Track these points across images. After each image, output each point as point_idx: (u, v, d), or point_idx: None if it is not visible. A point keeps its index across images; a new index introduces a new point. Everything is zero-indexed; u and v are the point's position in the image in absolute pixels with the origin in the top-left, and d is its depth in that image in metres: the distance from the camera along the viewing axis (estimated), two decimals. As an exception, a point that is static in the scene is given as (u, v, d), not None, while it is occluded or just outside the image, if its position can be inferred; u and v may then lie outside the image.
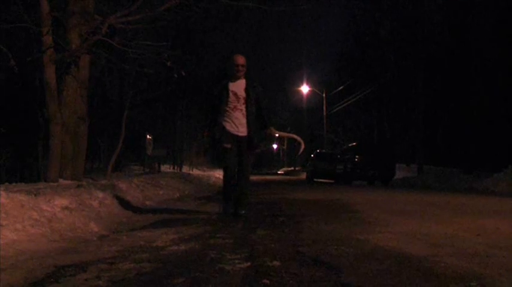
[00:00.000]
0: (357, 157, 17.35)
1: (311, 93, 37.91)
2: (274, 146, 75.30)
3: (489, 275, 2.25)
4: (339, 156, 19.17)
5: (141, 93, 18.81)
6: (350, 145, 20.56)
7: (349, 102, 30.22)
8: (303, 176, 26.46)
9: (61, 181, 8.09)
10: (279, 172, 51.26)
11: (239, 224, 4.46)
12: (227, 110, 5.22)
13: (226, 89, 5.25)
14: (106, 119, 17.92)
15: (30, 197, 4.32)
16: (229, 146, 5.13)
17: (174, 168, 25.97)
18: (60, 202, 4.66)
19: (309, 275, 2.28)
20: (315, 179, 20.76)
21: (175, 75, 12.47)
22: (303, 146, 6.00)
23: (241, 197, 5.21)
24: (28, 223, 3.60)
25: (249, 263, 2.58)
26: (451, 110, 21.85)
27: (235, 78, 5.29)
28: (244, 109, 5.24)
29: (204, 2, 10.89)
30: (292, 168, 51.78)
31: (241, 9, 12.46)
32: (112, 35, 9.65)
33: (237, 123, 5.22)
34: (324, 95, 34.39)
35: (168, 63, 11.16)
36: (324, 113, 34.32)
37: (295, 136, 6.17)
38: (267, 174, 41.79)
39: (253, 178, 26.31)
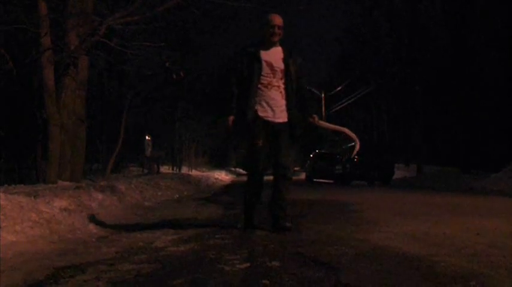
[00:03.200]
0: (356, 157, 17.35)
1: (310, 93, 37.93)
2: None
3: (488, 274, 2.25)
4: (338, 156, 19.18)
5: (140, 94, 18.80)
6: (349, 145, 20.57)
7: (348, 102, 30.24)
8: (302, 176, 26.46)
9: (60, 182, 8.09)
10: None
11: (238, 225, 4.45)
12: (259, 88, 3.94)
13: (258, 59, 3.96)
14: (105, 120, 17.92)
15: (29, 199, 4.32)
16: (260, 143, 3.89)
17: (173, 169, 25.98)
18: (59, 203, 4.66)
19: (308, 276, 2.28)
20: (314, 180, 20.75)
21: (174, 76, 12.49)
22: (357, 146, 4.45)
23: (283, 205, 3.97)
24: (27, 225, 3.60)
25: (248, 264, 2.57)
26: (450, 111, 21.88)
27: (269, 44, 4.02)
28: (282, 86, 3.99)
29: (202, 2, 10.89)
30: (291, 168, 51.63)
31: (239, 10, 12.46)
32: (110, 36, 9.66)
33: (273, 105, 3.94)
34: (322, 95, 34.42)
35: (167, 64, 11.18)
36: (323, 114, 34.33)
37: (347, 131, 4.38)
38: (267, 174, 41.77)
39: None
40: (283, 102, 3.99)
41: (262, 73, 3.95)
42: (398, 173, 18.58)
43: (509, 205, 6.59)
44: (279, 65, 3.99)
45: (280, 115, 3.97)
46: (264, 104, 3.94)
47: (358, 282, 2.15)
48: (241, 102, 4.00)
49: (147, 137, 19.51)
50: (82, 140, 9.64)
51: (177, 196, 8.95)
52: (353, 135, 4.38)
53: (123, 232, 4.02)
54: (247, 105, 3.94)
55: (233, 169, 48.94)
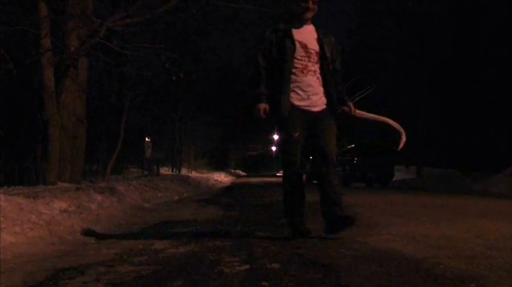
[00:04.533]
0: (355, 158, 17.36)
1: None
2: (274, 148, 75.29)
3: (488, 276, 2.25)
4: (337, 158, 19.17)
5: (139, 96, 18.81)
6: (349, 146, 20.57)
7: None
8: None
9: (60, 183, 8.09)
10: (277, 174, 51.24)
11: (238, 227, 4.45)
12: (294, 73, 3.46)
13: (291, 39, 3.45)
14: (105, 121, 17.91)
15: (29, 200, 4.32)
16: (297, 135, 3.43)
17: (173, 170, 25.97)
18: (59, 204, 4.66)
19: (308, 277, 2.28)
20: (314, 181, 20.75)
21: (174, 78, 12.49)
22: (404, 138, 3.89)
23: (337, 198, 3.53)
24: (27, 226, 3.60)
25: (248, 266, 2.57)
26: (451, 113, 21.88)
27: (300, 22, 3.51)
28: (318, 71, 3.51)
29: (202, 3, 10.90)
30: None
31: (239, 11, 12.47)
32: (110, 38, 9.66)
33: (310, 93, 3.47)
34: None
35: (167, 65, 11.18)
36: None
37: (390, 121, 3.86)
38: (266, 176, 41.78)
39: (251, 180, 26.16)
40: (321, 89, 3.51)
41: (297, 56, 3.45)
42: (398, 175, 18.57)
43: (509, 207, 6.59)
44: (314, 46, 3.49)
45: (318, 103, 3.50)
46: (300, 92, 3.45)
47: (358, 284, 2.15)
48: (272, 89, 3.50)
49: (146, 139, 19.51)
50: (82, 141, 9.64)
51: (177, 197, 8.95)
52: (397, 125, 3.86)
53: (122, 234, 4.02)
54: (280, 93, 3.44)
55: (233, 170, 48.95)
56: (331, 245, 3.21)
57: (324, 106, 3.52)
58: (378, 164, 16.97)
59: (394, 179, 17.43)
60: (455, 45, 20.34)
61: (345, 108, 3.65)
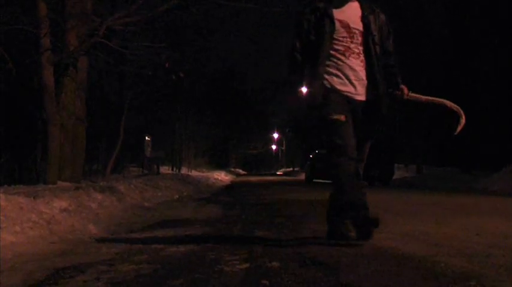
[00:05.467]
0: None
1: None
2: (274, 146, 75.33)
3: (488, 275, 2.25)
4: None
5: (139, 95, 18.81)
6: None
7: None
8: (302, 176, 26.46)
9: (60, 182, 8.10)
10: (277, 173, 51.31)
11: (238, 226, 4.45)
12: (334, 56, 3.12)
13: (330, 18, 3.12)
14: (104, 120, 17.91)
15: (29, 199, 4.32)
16: (342, 117, 3.03)
17: (173, 169, 25.97)
18: (59, 204, 4.66)
19: (308, 276, 2.28)
20: (314, 180, 20.75)
21: (174, 77, 12.49)
22: (463, 121, 3.43)
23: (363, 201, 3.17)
24: (27, 225, 3.60)
25: (248, 264, 2.57)
26: (450, 110, 21.83)
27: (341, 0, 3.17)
28: (362, 52, 3.14)
29: (202, 3, 10.90)
30: (291, 169, 51.78)
31: (239, 11, 12.46)
32: (110, 37, 9.66)
33: (354, 78, 3.11)
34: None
35: (167, 65, 11.18)
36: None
37: (448, 103, 3.44)
38: (266, 175, 41.81)
39: (251, 179, 26.13)
40: (364, 73, 3.13)
41: (337, 36, 3.10)
42: (398, 173, 18.58)
43: (509, 205, 6.59)
44: (357, 25, 3.13)
45: (362, 91, 3.12)
46: (342, 76, 3.09)
47: (358, 282, 2.15)
48: (310, 73, 3.18)
49: (146, 138, 19.49)
50: (82, 140, 9.64)
51: (177, 196, 8.95)
52: (455, 106, 3.41)
53: (122, 233, 4.02)
54: (314, 77, 3.13)
55: (233, 169, 48.98)
56: (330, 243, 3.21)
57: (369, 96, 3.14)
58: (378, 162, 16.98)
59: (394, 177, 17.43)
60: (454, 45, 20.33)
61: (398, 92, 3.27)
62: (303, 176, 25.81)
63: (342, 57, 3.11)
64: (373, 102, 3.15)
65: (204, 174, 23.15)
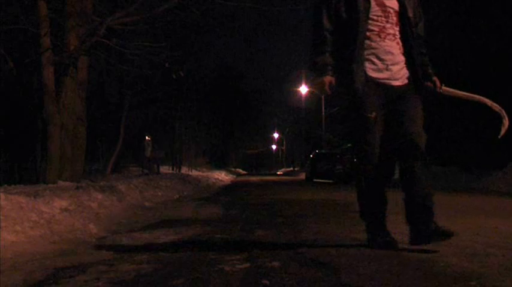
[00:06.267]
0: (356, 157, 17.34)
1: (310, 93, 37.98)
2: (274, 146, 75.25)
3: (489, 274, 2.25)
4: (338, 156, 19.18)
5: (139, 95, 18.82)
6: (349, 145, 20.57)
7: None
8: (302, 176, 26.48)
9: (60, 182, 8.10)
10: (278, 173, 51.36)
11: (238, 225, 4.45)
12: (368, 38, 2.80)
13: None
14: (105, 120, 17.92)
15: (29, 199, 4.32)
16: (373, 115, 2.76)
17: (173, 169, 25.96)
18: (59, 203, 4.66)
19: (308, 276, 2.28)
20: (314, 180, 20.76)
21: (174, 77, 12.50)
22: (506, 122, 3.04)
23: (425, 199, 2.91)
24: (27, 225, 3.60)
25: (248, 264, 2.57)
26: (450, 108, 21.85)
27: None
28: (398, 35, 2.85)
29: (201, 2, 10.90)
30: (292, 168, 51.82)
31: (238, 10, 12.48)
32: (110, 37, 9.66)
33: (390, 62, 2.81)
34: (322, 95, 34.37)
35: (166, 64, 11.18)
36: (323, 113, 34.35)
37: (487, 101, 3.08)
38: (266, 175, 41.82)
39: (251, 179, 26.10)
40: (402, 57, 2.84)
41: (372, 15, 2.78)
42: (398, 173, 18.56)
43: (509, 205, 6.59)
44: (392, 4, 2.83)
45: (399, 75, 2.83)
46: (376, 61, 2.79)
47: (358, 282, 2.15)
48: (340, 57, 2.83)
49: (147, 137, 19.50)
50: (82, 140, 9.65)
51: (177, 196, 8.95)
52: (497, 106, 3.06)
53: (123, 232, 4.02)
54: (351, 61, 2.76)
55: (233, 169, 48.99)
56: (331, 243, 3.21)
57: (407, 80, 2.85)
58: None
59: (394, 177, 17.41)
60: (453, 44, 20.31)
61: (429, 83, 2.94)
62: (303, 176, 25.84)
63: (377, 39, 2.79)
64: (412, 88, 2.85)
65: (204, 174, 23.15)
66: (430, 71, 2.98)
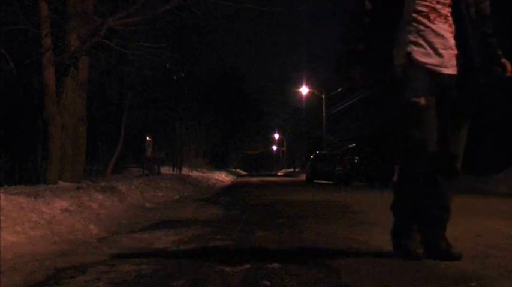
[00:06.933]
0: (356, 158, 17.37)
1: (310, 94, 38.01)
2: (274, 147, 75.28)
3: (490, 276, 2.25)
4: (338, 157, 19.20)
5: (140, 95, 18.81)
6: (349, 145, 20.59)
7: (348, 103, 30.25)
8: (303, 177, 26.48)
9: (60, 183, 8.10)
10: (278, 173, 51.38)
11: (239, 226, 4.45)
12: (415, 19, 2.50)
13: None
14: (105, 121, 17.91)
15: (30, 200, 4.32)
16: (422, 101, 2.40)
17: (173, 170, 25.96)
18: (60, 204, 4.66)
19: (309, 277, 2.28)
20: (315, 180, 20.77)
21: (175, 77, 12.51)
22: None
23: (444, 215, 2.70)
24: (27, 225, 3.60)
25: (248, 265, 2.57)
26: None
27: None
28: (450, 15, 2.53)
29: (202, 3, 10.91)
30: (292, 169, 51.82)
31: (239, 10, 12.48)
32: (111, 37, 9.66)
33: (440, 45, 2.50)
34: (323, 96, 34.42)
35: (167, 65, 11.18)
36: (323, 114, 34.36)
37: None
38: (266, 175, 41.82)
39: (252, 179, 26.11)
40: (453, 41, 2.51)
41: None
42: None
43: (510, 206, 6.58)
44: None
45: (451, 63, 2.50)
46: (424, 44, 2.47)
47: (359, 283, 2.14)
48: (383, 39, 2.52)
49: (147, 138, 19.49)
50: (82, 140, 9.65)
51: (178, 196, 8.95)
52: None
53: (123, 233, 4.02)
54: (397, 43, 2.46)
55: (233, 169, 48.99)
56: (332, 244, 3.21)
57: (460, 69, 2.53)
58: (378, 163, 16.98)
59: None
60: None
61: (497, 68, 2.57)
62: (303, 177, 25.85)
63: (425, 21, 2.49)
64: (466, 77, 2.52)
65: (205, 174, 23.15)
66: (499, 52, 2.59)
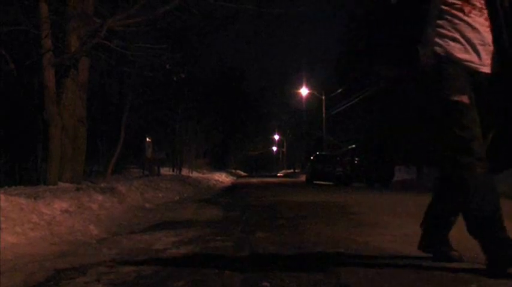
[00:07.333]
0: (356, 159, 17.37)
1: (310, 95, 38.02)
2: (274, 148, 75.27)
3: (489, 277, 2.25)
4: (338, 158, 19.21)
5: (140, 96, 18.81)
6: (349, 147, 20.59)
7: (348, 104, 30.25)
8: (303, 178, 26.48)
9: (60, 183, 8.10)
10: (278, 174, 51.38)
11: (239, 227, 4.45)
12: (447, 11, 2.32)
13: None
14: (105, 121, 17.92)
15: (30, 200, 4.32)
16: (464, 99, 2.21)
17: (173, 171, 25.96)
18: (60, 205, 4.66)
19: (308, 278, 2.28)
20: (315, 181, 20.77)
21: (175, 78, 12.51)
22: None
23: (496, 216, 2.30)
24: (27, 226, 3.60)
25: (248, 266, 2.58)
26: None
27: None
28: (485, 7, 2.34)
29: (202, 4, 10.92)
30: (292, 170, 51.81)
31: (239, 11, 12.50)
32: (111, 38, 9.67)
33: (477, 41, 2.31)
34: (323, 97, 34.43)
35: (167, 66, 11.17)
36: (323, 115, 34.36)
37: None
38: (266, 176, 41.81)
39: (252, 180, 26.12)
40: (490, 36, 2.32)
41: None
42: (398, 175, 18.58)
43: (510, 207, 6.58)
44: None
45: (488, 60, 2.31)
46: (462, 40, 2.29)
47: (359, 284, 2.15)
48: (413, 33, 2.33)
49: (147, 139, 19.49)
50: (82, 141, 9.64)
51: (178, 197, 8.95)
52: None
53: (123, 234, 4.02)
54: (424, 39, 2.29)
55: (233, 170, 48.97)
56: (331, 245, 3.21)
57: (494, 66, 2.33)
58: (378, 164, 16.99)
59: (395, 179, 17.44)
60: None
61: None
62: (303, 178, 25.86)
63: (460, 14, 2.30)
64: (500, 75, 2.34)
65: (205, 175, 23.15)
66: None
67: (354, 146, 20.35)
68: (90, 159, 14.52)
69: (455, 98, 2.21)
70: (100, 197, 5.84)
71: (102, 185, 8.14)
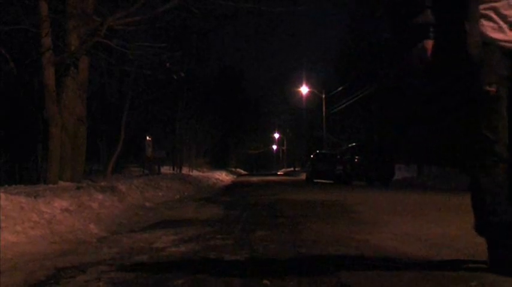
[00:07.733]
0: (356, 157, 17.37)
1: (310, 94, 37.99)
2: (274, 146, 75.24)
3: (489, 275, 2.25)
4: (338, 157, 19.21)
5: (140, 95, 18.82)
6: (349, 145, 20.59)
7: (349, 103, 30.24)
8: (303, 176, 26.48)
9: (60, 182, 8.10)
10: (278, 173, 51.37)
11: (239, 226, 4.45)
12: None
13: None
14: (105, 120, 17.92)
15: (30, 199, 4.32)
16: (493, 89, 2.03)
17: (173, 169, 25.97)
18: (60, 203, 4.66)
19: (309, 277, 2.28)
20: (315, 180, 20.77)
21: (175, 77, 12.50)
22: None
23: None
24: (28, 225, 3.60)
25: (248, 265, 2.58)
26: (450, 109, 21.80)
27: None
28: None
29: (202, 2, 10.91)
30: (292, 169, 51.80)
31: (239, 10, 12.48)
32: (111, 37, 9.67)
33: None
34: (323, 95, 34.41)
35: (167, 65, 11.17)
36: (324, 114, 34.35)
37: None
38: (267, 175, 41.81)
39: (252, 179, 26.15)
40: None
41: None
42: (399, 174, 18.59)
43: None
44: None
45: None
46: (496, 18, 2.10)
47: (359, 284, 2.15)
48: (447, 13, 2.15)
49: (147, 138, 19.50)
50: (82, 140, 9.65)
51: (178, 196, 8.95)
52: None
53: (123, 232, 4.02)
54: (462, 19, 2.10)
55: (233, 169, 48.98)
56: (331, 243, 3.21)
57: None
58: (378, 162, 16.98)
59: (395, 177, 17.44)
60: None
61: None
62: (303, 177, 25.85)
63: None
64: None
65: (205, 174, 23.16)
66: None
67: (354, 144, 20.34)
68: (90, 158, 14.53)
69: (484, 88, 2.03)
70: (100, 196, 5.84)
71: (102, 184, 8.14)
